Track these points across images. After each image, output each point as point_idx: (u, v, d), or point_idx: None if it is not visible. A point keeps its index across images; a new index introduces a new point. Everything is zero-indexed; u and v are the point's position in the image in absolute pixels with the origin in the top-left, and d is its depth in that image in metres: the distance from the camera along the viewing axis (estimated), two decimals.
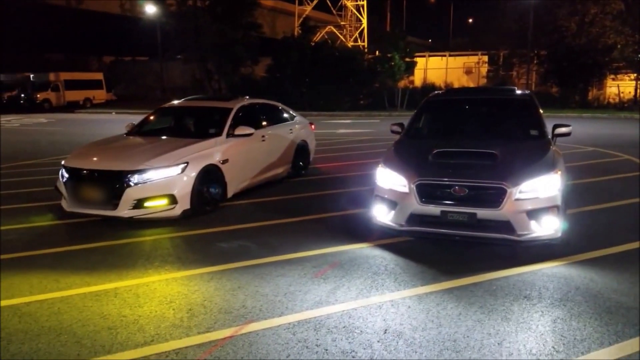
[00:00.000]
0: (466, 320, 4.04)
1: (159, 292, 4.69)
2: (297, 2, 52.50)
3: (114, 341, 3.80)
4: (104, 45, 51.74)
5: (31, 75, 40.69)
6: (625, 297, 4.42)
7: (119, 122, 25.01)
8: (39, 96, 39.21)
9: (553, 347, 3.60)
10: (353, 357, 3.52)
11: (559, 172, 5.46)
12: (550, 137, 6.50)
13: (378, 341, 3.73)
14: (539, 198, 5.24)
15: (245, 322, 4.06)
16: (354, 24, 53.74)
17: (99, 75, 44.35)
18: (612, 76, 31.58)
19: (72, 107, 39.52)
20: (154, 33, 35.15)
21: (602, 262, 5.27)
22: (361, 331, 3.88)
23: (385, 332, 3.86)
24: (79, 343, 3.79)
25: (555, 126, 6.64)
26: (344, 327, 3.96)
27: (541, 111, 6.93)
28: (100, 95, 43.01)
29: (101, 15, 43.38)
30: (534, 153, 5.88)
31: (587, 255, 5.42)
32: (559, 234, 5.34)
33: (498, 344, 3.66)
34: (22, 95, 39.99)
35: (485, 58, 39.58)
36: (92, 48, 53.31)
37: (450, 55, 42.23)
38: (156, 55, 38.45)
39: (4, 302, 4.50)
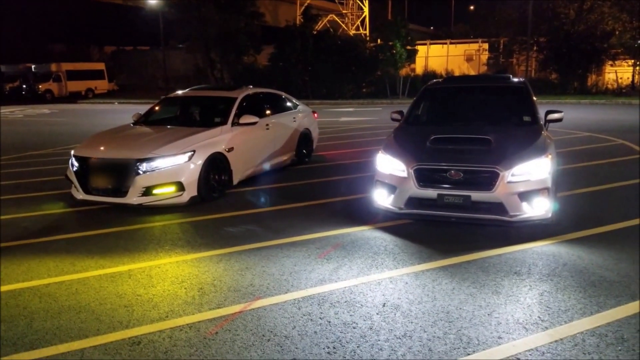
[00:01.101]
0: (459, 294, 4.32)
1: (171, 273, 4.95)
2: None
3: (130, 317, 4.07)
4: (105, 35, 51.80)
5: (33, 66, 40.86)
6: (609, 272, 4.68)
7: (122, 112, 25.28)
8: (41, 87, 39.43)
9: (539, 317, 3.87)
10: (354, 327, 3.79)
11: (550, 156, 5.71)
12: (542, 122, 6.74)
13: (377, 313, 4.01)
14: (530, 181, 5.50)
15: (254, 299, 4.33)
16: (355, 12, 53.62)
17: (101, 66, 44.44)
18: (611, 62, 31.60)
19: (74, 97, 39.71)
20: (155, 22, 35.21)
21: (589, 240, 5.53)
22: (361, 305, 4.16)
23: (384, 306, 4.13)
24: (98, 320, 4.04)
25: (548, 112, 6.90)
26: (345, 301, 4.23)
27: (534, 98, 7.16)
28: (102, 85, 43.16)
29: (102, 5, 43.48)
30: (526, 138, 6.12)
31: (576, 235, 5.69)
32: (550, 215, 5.62)
33: (488, 314, 3.93)
34: (24, 86, 40.22)
35: (486, 46, 39.60)
36: (94, 38, 53.33)
37: (451, 43, 42.21)
38: (158, 44, 38.51)
39: (24, 284, 4.77)
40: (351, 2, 53.31)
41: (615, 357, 3.32)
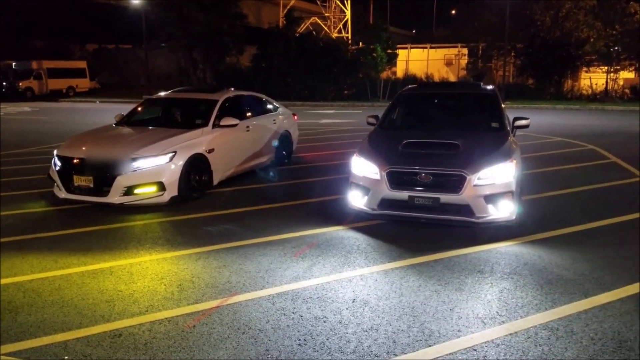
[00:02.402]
0: (425, 290, 4.58)
1: (151, 270, 5.14)
2: None
3: (112, 312, 4.26)
4: (87, 32, 51.20)
5: (13, 63, 40.41)
6: (566, 270, 4.99)
7: (104, 111, 25.21)
8: (22, 84, 39.05)
9: (497, 312, 4.15)
10: (324, 321, 4.03)
11: (515, 161, 6.02)
12: (509, 129, 7.05)
13: (347, 308, 4.25)
14: (495, 184, 5.81)
15: (230, 295, 4.54)
16: (338, 15, 53.88)
17: (83, 64, 44.12)
18: (585, 69, 32.38)
19: (55, 95, 39.37)
20: (138, 21, 35.01)
21: (551, 241, 5.83)
22: (332, 300, 4.40)
23: (353, 301, 4.38)
24: (80, 314, 4.22)
25: (515, 119, 7.23)
26: (317, 297, 4.47)
27: (503, 105, 7.50)
28: (83, 83, 42.84)
29: (85, 2, 43.07)
30: (493, 143, 6.44)
31: (539, 236, 5.99)
32: (514, 217, 5.94)
33: (450, 310, 4.20)
34: (4, 83, 39.76)
35: (465, 50, 40.11)
36: (76, 35, 52.78)
37: (431, 47, 42.72)
38: (140, 43, 38.33)
39: (9, 280, 4.92)
40: (334, 5, 53.56)
41: (564, 349, 3.60)
